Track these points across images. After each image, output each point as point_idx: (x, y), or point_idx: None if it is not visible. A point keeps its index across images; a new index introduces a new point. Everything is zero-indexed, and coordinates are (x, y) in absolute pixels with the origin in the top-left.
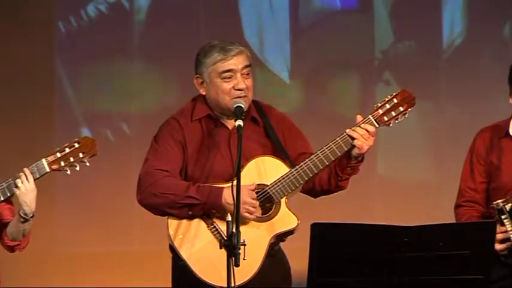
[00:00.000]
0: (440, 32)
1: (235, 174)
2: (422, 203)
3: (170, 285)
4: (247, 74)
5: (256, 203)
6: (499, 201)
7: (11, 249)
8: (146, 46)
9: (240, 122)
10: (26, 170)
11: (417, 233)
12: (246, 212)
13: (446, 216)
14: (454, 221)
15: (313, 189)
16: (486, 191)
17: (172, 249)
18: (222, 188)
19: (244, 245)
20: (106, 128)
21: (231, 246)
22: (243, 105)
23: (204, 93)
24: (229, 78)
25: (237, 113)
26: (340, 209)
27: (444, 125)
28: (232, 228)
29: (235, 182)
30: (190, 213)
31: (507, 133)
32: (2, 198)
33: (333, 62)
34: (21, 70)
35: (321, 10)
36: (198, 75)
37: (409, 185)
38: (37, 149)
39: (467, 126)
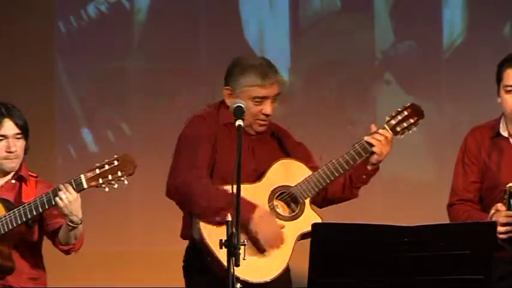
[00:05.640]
0: (440, 32)
1: (235, 174)
2: (422, 203)
3: (170, 285)
4: (275, 100)
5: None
6: (511, 184)
7: (66, 252)
8: (146, 46)
9: (240, 122)
10: (62, 186)
11: (417, 233)
12: (264, 241)
13: (446, 216)
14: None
15: (325, 197)
16: (479, 190)
17: (191, 247)
18: (255, 206)
19: (244, 244)
20: (106, 128)
21: (231, 246)
22: (243, 106)
23: (230, 104)
24: (260, 102)
25: (238, 113)
26: (340, 209)
27: (444, 125)
28: (232, 228)
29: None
30: (217, 219)
31: (498, 133)
32: (41, 210)
33: (333, 62)
34: (22, 70)
35: (321, 10)
36: (228, 87)
37: (409, 185)
38: (37, 149)
39: (467, 127)
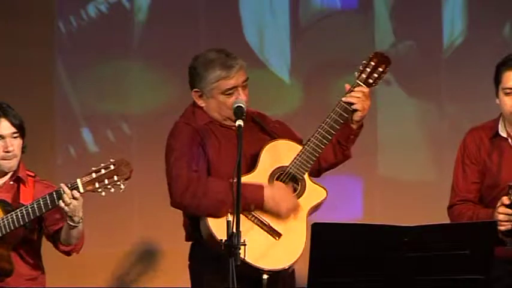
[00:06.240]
0: (440, 32)
1: (235, 173)
2: (422, 203)
3: (169, 285)
4: (245, 86)
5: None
6: None
7: (67, 253)
8: (146, 46)
9: (240, 122)
10: (67, 190)
11: (417, 233)
12: (285, 211)
13: (446, 216)
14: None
15: (320, 166)
16: (479, 190)
17: (195, 246)
18: (262, 186)
19: (245, 245)
20: (106, 128)
21: (231, 246)
22: (243, 106)
23: (203, 105)
24: (231, 93)
25: (238, 113)
26: (340, 209)
27: (444, 125)
28: (232, 228)
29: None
30: (230, 211)
31: (497, 133)
32: (44, 210)
33: (333, 62)
34: (21, 70)
35: (321, 10)
36: (196, 89)
37: (409, 185)
38: (37, 149)
39: (467, 126)
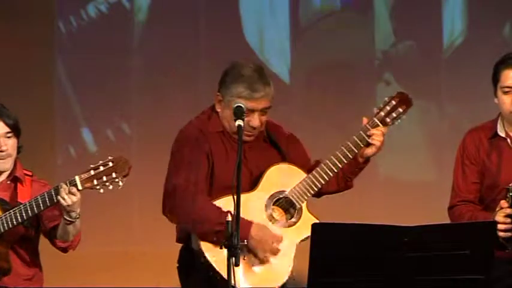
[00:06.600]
0: (440, 32)
1: (235, 176)
2: (422, 203)
3: (170, 285)
4: (265, 112)
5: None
6: None
7: (64, 250)
8: (146, 46)
9: (240, 122)
10: (65, 187)
11: (417, 233)
12: (263, 255)
13: (446, 216)
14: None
15: (321, 191)
16: (479, 191)
17: (185, 248)
18: (251, 223)
19: (245, 244)
20: (106, 128)
21: (231, 246)
22: (243, 106)
23: (219, 110)
24: (247, 114)
25: (238, 113)
26: (340, 209)
27: (444, 125)
28: (232, 229)
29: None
30: (214, 239)
31: (496, 133)
32: (42, 208)
33: (333, 62)
34: (21, 70)
35: (321, 10)
36: (219, 94)
37: (409, 185)
38: (37, 149)
39: (467, 127)
